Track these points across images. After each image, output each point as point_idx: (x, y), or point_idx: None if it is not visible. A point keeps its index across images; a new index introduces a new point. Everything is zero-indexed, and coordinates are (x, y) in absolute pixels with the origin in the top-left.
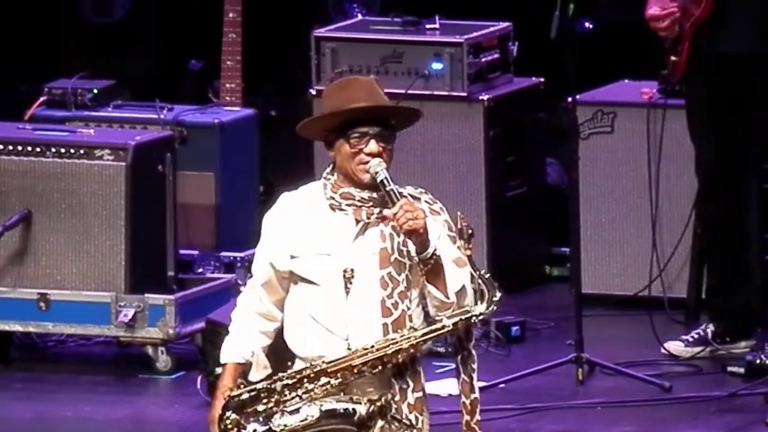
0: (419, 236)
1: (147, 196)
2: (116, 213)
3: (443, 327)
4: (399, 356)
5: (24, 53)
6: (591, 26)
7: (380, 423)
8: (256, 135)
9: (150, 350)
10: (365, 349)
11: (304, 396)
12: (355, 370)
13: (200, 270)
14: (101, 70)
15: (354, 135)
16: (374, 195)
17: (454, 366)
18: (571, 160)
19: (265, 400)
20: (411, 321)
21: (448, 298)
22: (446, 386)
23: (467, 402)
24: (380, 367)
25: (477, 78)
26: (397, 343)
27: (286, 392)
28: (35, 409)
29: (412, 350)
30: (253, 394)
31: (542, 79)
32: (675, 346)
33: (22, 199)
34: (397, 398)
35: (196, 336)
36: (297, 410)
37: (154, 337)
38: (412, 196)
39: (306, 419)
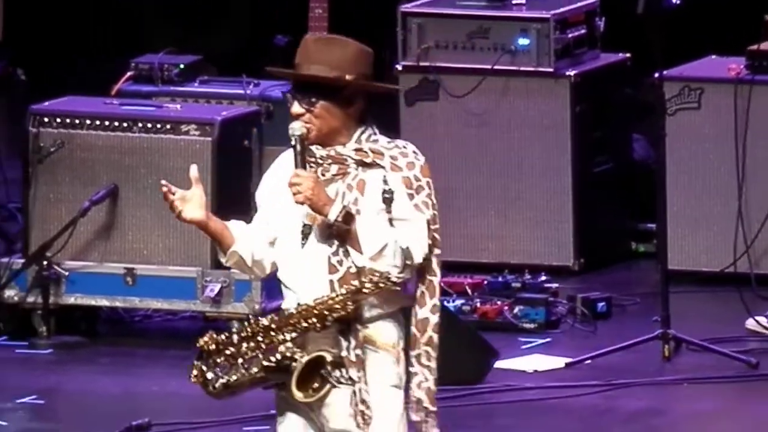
0: (311, 206)
1: (233, 172)
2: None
3: (362, 288)
4: (334, 314)
5: (111, 28)
6: (678, 1)
7: (318, 377)
8: None
9: (236, 325)
10: (307, 305)
11: (256, 349)
12: (297, 326)
13: None
14: (188, 45)
15: (287, 94)
16: (331, 152)
17: (540, 342)
18: (657, 136)
19: (226, 351)
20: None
21: (362, 253)
22: (532, 362)
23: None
24: (321, 325)
25: (564, 54)
26: (333, 300)
27: (243, 345)
28: (122, 384)
29: (341, 310)
30: (219, 343)
31: (629, 55)
32: (760, 321)
33: (109, 173)
34: (344, 354)
35: None
36: (246, 364)
37: (240, 312)
38: (372, 150)
39: (249, 374)
